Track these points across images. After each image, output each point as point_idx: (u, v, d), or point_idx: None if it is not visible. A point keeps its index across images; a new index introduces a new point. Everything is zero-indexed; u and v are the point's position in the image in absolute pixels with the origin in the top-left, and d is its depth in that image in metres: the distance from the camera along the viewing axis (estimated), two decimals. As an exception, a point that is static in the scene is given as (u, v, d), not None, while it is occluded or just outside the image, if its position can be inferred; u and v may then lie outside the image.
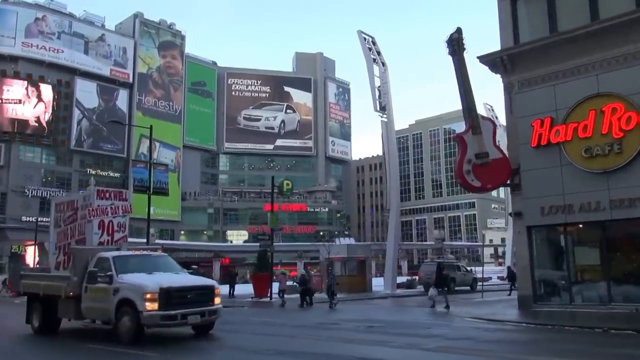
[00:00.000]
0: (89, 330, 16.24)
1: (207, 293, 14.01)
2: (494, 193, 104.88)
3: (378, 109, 39.57)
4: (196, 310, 13.44)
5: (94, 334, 15.48)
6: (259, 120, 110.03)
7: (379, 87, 39.75)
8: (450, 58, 22.24)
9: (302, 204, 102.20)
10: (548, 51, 20.71)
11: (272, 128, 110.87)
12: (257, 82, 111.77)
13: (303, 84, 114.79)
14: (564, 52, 20.23)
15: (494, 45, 22.17)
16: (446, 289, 24.56)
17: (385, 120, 39.64)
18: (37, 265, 36.93)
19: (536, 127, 20.38)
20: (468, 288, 37.88)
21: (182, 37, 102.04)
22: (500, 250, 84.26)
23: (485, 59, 22.31)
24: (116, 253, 14.90)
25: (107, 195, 17.16)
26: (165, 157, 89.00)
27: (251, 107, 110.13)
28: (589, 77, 19.59)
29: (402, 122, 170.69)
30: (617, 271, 19.46)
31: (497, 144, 21.24)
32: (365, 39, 40.92)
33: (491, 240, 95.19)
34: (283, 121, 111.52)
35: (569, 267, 20.39)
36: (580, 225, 20.39)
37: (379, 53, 41.02)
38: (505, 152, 21.75)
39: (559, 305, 19.79)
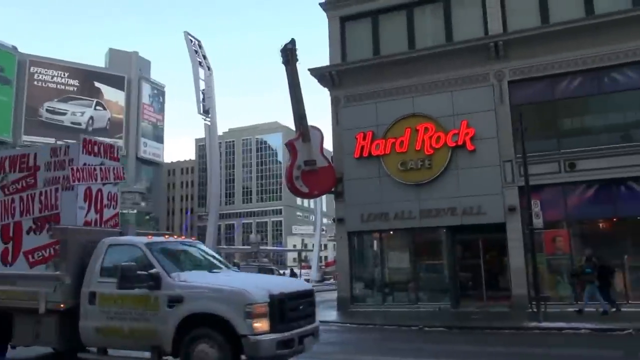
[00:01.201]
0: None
1: (313, 302, 9.54)
2: (299, 201, 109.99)
3: (202, 111, 39.49)
4: (309, 328, 8.98)
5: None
6: (64, 114, 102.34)
7: (203, 90, 39.70)
8: (282, 67, 22.94)
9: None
10: (372, 71, 22.52)
11: (79, 124, 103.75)
12: (64, 74, 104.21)
13: (116, 82, 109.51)
14: (386, 74, 22.17)
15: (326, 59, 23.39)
16: None
17: (209, 123, 39.63)
18: None
19: (359, 139, 22.04)
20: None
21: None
22: (303, 254, 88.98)
23: (315, 72, 23.61)
24: (146, 239, 9.51)
25: (96, 149, 11.07)
26: (-55, 146, 78.97)
27: (56, 99, 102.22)
28: (407, 98, 21.71)
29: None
30: (422, 274, 21.71)
31: (324, 153, 22.41)
32: (191, 41, 40.58)
33: (295, 246, 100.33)
34: (92, 117, 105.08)
35: (382, 270, 22.26)
36: (392, 232, 22.37)
37: (204, 57, 40.94)
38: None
39: (373, 305, 21.49)
